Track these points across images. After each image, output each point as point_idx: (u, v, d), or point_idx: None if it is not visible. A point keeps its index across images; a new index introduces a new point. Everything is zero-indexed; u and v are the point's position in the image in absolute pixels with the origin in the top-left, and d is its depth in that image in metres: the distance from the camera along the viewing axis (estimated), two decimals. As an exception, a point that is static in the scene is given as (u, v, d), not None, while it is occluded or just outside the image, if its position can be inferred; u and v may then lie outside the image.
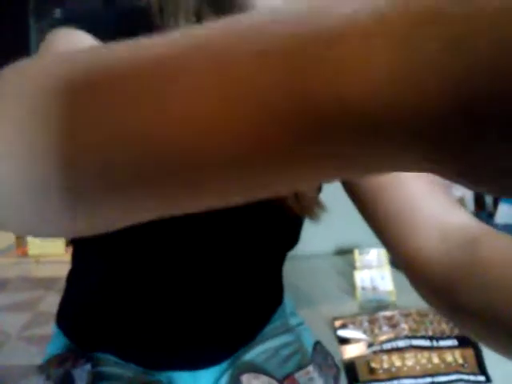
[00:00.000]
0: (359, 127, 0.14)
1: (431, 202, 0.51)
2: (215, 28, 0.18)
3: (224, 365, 0.75)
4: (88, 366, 0.64)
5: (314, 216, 0.63)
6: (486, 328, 0.42)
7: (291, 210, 0.62)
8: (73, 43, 0.48)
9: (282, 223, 0.70)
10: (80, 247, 0.75)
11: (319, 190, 0.68)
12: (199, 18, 0.53)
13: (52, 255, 3.33)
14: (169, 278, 0.68)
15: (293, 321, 0.85)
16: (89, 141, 0.19)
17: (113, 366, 0.70)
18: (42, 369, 0.64)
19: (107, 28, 0.50)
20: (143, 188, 0.19)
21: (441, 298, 0.47)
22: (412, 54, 0.13)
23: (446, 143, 0.14)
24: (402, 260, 0.51)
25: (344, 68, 0.14)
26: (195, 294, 0.70)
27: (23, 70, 0.25)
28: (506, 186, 0.14)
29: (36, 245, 3.41)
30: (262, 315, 0.81)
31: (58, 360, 0.65)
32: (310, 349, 0.76)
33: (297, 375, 0.68)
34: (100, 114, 0.19)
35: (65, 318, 0.77)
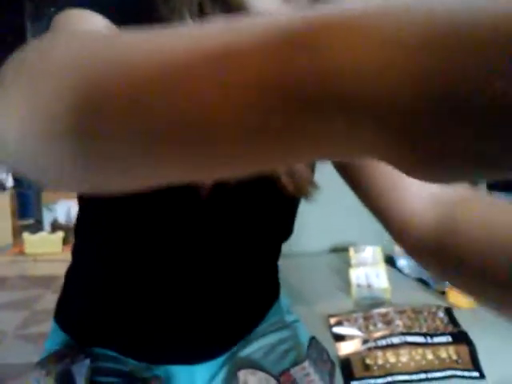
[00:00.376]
0: (339, 111, 0.16)
1: None
2: (214, 28, 0.20)
3: (221, 360, 0.76)
4: (87, 362, 0.64)
5: (307, 195, 0.66)
6: (479, 285, 0.44)
7: (286, 189, 0.64)
8: (86, 24, 0.47)
9: (276, 211, 0.71)
10: (80, 243, 0.76)
11: (313, 170, 0.70)
12: (202, 11, 0.54)
13: (49, 254, 3.33)
14: (166, 270, 0.69)
15: (289, 317, 0.86)
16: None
17: (111, 362, 0.71)
18: (42, 365, 0.64)
19: (111, 11, 0.50)
20: (150, 146, 0.21)
21: (433, 262, 0.51)
22: (391, 51, 0.15)
23: (408, 129, 0.15)
24: (395, 229, 0.55)
25: (329, 55, 0.16)
26: (192, 288, 0.71)
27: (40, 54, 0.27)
28: (451, 174, 0.16)
29: (33, 243, 3.42)
30: (258, 309, 0.82)
31: (56, 356, 0.66)
32: (305, 345, 0.76)
33: (293, 371, 0.68)
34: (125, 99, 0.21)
35: (63, 312, 0.78)
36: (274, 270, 0.85)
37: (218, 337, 0.75)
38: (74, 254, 0.77)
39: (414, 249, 0.54)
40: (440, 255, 0.49)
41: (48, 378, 0.61)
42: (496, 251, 0.41)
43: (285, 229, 0.77)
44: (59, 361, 0.64)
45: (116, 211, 0.66)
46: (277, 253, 0.81)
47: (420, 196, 0.53)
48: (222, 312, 0.74)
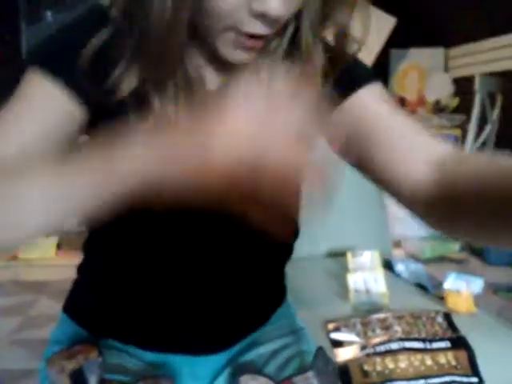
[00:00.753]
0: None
1: (415, 136, 0.61)
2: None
3: (223, 362, 0.77)
4: (100, 360, 0.64)
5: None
6: (479, 234, 0.50)
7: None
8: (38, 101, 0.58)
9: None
10: (90, 238, 0.79)
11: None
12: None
13: (43, 259, 3.30)
14: (172, 266, 0.71)
15: (297, 322, 0.87)
16: None
17: (118, 359, 0.72)
18: (53, 361, 0.64)
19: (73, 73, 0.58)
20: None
21: (436, 217, 0.56)
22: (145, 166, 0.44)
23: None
24: (395, 189, 0.61)
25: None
26: (198, 282, 0.72)
27: None
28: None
29: (27, 248, 3.38)
30: (262, 309, 0.83)
31: (68, 353, 0.66)
32: (310, 353, 0.76)
33: (295, 379, 0.68)
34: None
35: (74, 302, 0.81)
36: (281, 271, 0.85)
37: (220, 329, 0.76)
38: (85, 247, 0.79)
39: (411, 202, 0.59)
40: (442, 209, 0.54)
41: (61, 375, 0.61)
42: (494, 203, 0.43)
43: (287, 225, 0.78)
44: (72, 358, 0.64)
45: (123, 219, 0.69)
46: (284, 253, 0.81)
47: (415, 156, 0.59)
48: (225, 306, 0.75)
